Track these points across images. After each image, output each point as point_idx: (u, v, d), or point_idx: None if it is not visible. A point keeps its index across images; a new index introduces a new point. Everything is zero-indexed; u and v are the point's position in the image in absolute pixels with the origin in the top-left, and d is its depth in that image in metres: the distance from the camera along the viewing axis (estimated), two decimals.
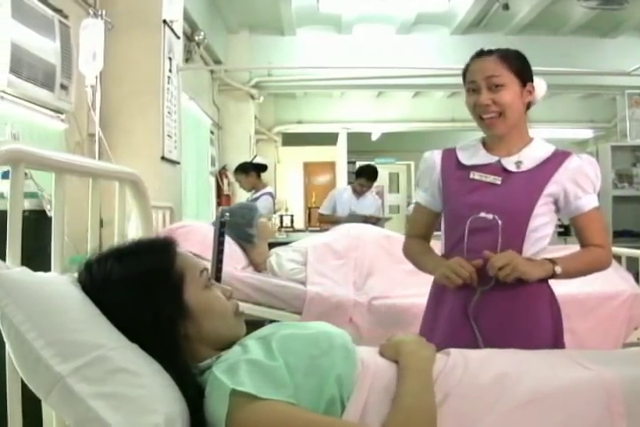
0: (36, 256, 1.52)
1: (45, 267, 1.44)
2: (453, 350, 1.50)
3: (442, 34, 7.97)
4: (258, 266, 3.71)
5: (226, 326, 1.36)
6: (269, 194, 5.14)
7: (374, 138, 11.58)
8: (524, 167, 1.88)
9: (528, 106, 1.95)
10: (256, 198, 5.14)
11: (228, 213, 1.97)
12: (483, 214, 1.83)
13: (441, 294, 1.95)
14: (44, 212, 2.49)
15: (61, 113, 3.37)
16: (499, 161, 1.91)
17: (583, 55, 7.64)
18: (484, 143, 1.98)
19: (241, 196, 6.92)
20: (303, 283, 3.35)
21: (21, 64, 2.86)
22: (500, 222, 1.80)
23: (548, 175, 1.87)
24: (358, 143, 10.66)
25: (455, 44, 7.72)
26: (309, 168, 11.20)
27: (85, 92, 3.51)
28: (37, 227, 2.63)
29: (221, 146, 7.90)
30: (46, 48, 3.08)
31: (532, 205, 1.85)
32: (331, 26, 8.01)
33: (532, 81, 1.93)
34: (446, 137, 9.70)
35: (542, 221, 1.88)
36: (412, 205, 2.68)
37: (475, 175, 1.90)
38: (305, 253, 3.55)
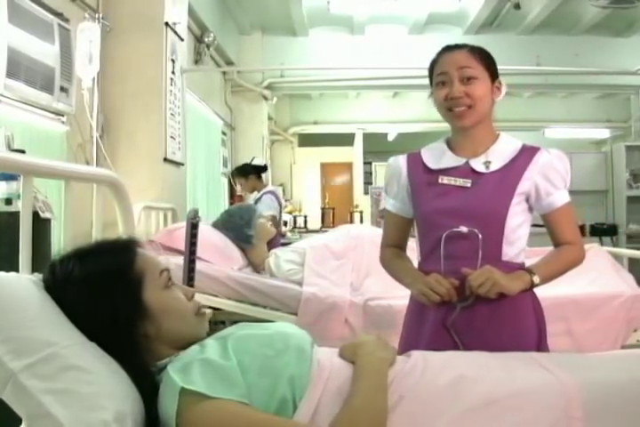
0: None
1: (38, 266, 1.47)
2: (415, 353, 1.50)
3: (455, 34, 7.94)
4: (257, 267, 3.72)
5: (185, 326, 1.38)
6: (271, 192, 5.13)
7: (390, 138, 11.57)
8: (494, 167, 1.83)
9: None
10: (259, 199, 5.15)
11: (199, 215, 1.98)
12: (461, 228, 1.78)
13: (421, 310, 1.89)
14: (37, 213, 2.54)
15: (62, 115, 3.42)
16: (467, 162, 1.86)
17: (596, 55, 7.58)
18: (449, 144, 1.92)
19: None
20: (300, 284, 3.34)
21: (19, 68, 2.90)
22: (480, 236, 1.76)
23: (519, 173, 1.82)
24: (375, 144, 10.66)
25: None
26: (326, 169, 11.21)
27: (94, 93, 3.57)
28: (32, 228, 2.67)
29: (234, 147, 7.94)
30: (45, 51, 3.13)
31: (506, 206, 1.80)
32: (343, 26, 8.03)
33: (498, 78, 1.89)
34: None
35: (518, 221, 1.83)
36: None
37: (443, 180, 1.85)
38: (303, 253, 3.55)
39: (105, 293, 1.30)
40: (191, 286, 1.68)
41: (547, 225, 1.90)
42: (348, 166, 10.96)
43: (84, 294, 1.30)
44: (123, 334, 1.29)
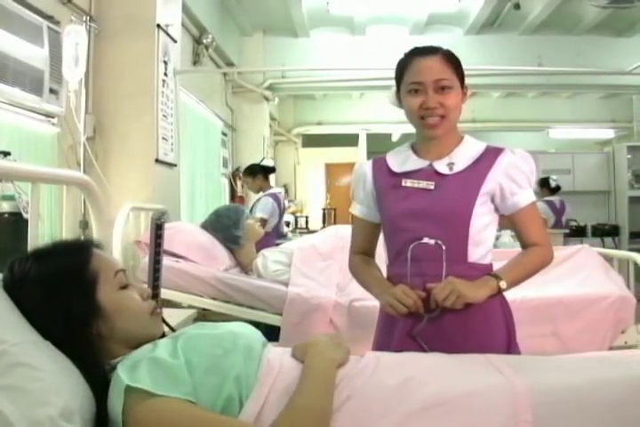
0: (13, 254, 1.58)
1: None
2: (369, 353, 1.51)
3: (456, 34, 7.95)
4: (245, 267, 3.74)
5: (139, 325, 1.41)
6: (270, 195, 5.14)
7: (395, 139, 11.56)
8: (457, 168, 1.83)
9: None
10: (258, 200, 5.17)
11: (165, 215, 1.98)
12: (425, 240, 1.78)
13: (390, 319, 1.89)
14: (20, 213, 2.58)
15: (52, 117, 3.45)
16: (430, 165, 1.86)
17: (598, 55, 7.56)
18: (414, 148, 1.93)
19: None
20: (286, 284, 3.35)
21: (6, 70, 2.94)
22: (444, 247, 1.76)
23: (482, 173, 1.82)
24: (379, 144, 10.63)
25: (470, 45, 7.69)
26: (331, 169, 11.21)
27: (82, 95, 3.60)
28: (15, 227, 2.71)
29: (235, 148, 7.97)
30: (34, 54, 3.15)
31: (470, 207, 1.79)
32: (344, 27, 8.05)
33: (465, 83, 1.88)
34: None
35: (484, 222, 1.82)
36: None
37: (407, 182, 1.85)
38: (291, 254, 3.55)
39: (59, 292, 1.33)
40: (156, 286, 1.70)
41: (513, 227, 1.90)
42: (353, 167, 10.94)
43: (39, 294, 1.33)
44: (76, 333, 1.32)
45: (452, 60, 1.84)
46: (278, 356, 1.41)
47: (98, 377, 1.29)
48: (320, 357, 1.38)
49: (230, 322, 1.51)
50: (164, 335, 1.51)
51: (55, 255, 1.40)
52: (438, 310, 1.75)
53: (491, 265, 1.87)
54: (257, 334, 1.46)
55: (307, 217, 8.77)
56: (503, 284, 1.76)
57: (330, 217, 8.98)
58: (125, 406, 1.20)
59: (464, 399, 1.30)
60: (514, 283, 1.80)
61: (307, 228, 8.48)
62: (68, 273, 1.36)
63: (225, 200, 7.35)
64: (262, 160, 5.62)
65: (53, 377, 1.22)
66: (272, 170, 5.52)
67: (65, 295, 1.33)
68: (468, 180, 1.82)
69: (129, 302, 1.41)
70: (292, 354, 1.44)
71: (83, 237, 3.26)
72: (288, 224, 7.90)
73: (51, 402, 1.17)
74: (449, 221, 1.79)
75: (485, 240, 1.84)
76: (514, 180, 1.82)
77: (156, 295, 1.71)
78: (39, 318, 1.31)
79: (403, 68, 1.87)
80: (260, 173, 5.32)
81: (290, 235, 7.52)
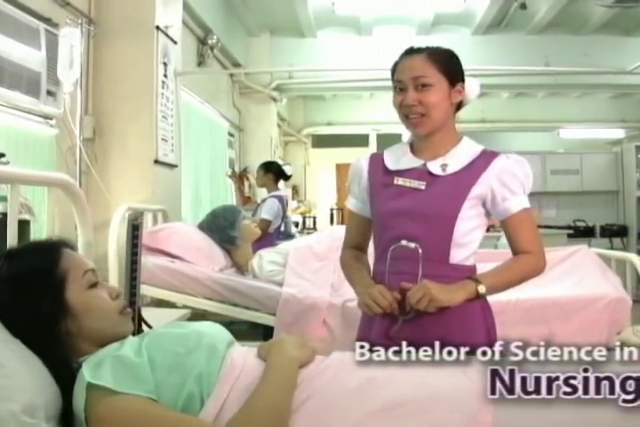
0: None
1: None
2: (336, 354, 1.51)
3: (463, 34, 7.92)
4: (241, 267, 3.76)
5: (108, 324, 1.43)
6: (277, 197, 5.14)
7: (405, 139, 11.52)
8: (451, 170, 1.82)
9: (459, 106, 1.90)
10: (264, 200, 5.19)
11: (140, 217, 1.98)
12: (404, 243, 1.78)
13: (369, 319, 1.89)
14: None
15: (50, 119, 3.48)
16: (424, 164, 1.85)
17: (606, 54, 7.49)
18: (412, 146, 1.93)
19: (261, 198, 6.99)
20: (281, 285, 3.37)
21: (3, 73, 2.97)
22: (420, 251, 1.76)
23: (474, 177, 1.81)
24: (389, 144, 10.51)
25: (477, 45, 7.67)
26: (341, 170, 11.20)
27: (77, 97, 3.64)
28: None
29: (243, 148, 7.98)
30: (31, 56, 3.19)
31: (456, 209, 1.79)
32: (350, 27, 8.05)
33: (463, 81, 1.87)
34: (476, 138, 9.46)
35: (470, 226, 1.82)
36: None
37: (398, 181, 1.84)
38: (286, 254, 3.57)
39: (28, 291, 1.36)
40: (134, 286, 1.72)
41: (504, 232, 1.88)
42: None
43: (8, 293, 1.36)
44: (44, 332, 1.34)
45: (437, 59, 1.83)
46: (242, 355, 1.42)
47: (65, 375, 1.32)
48: (282, 356, 1.39)
49: (199, 322, 1.53)
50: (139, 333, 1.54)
51: (26, 255, 1.43)
52: (413, 313, 1.75)
53: (474, 266, 1.86)
54: (223, 334, 1.47)
55: (314, 217, 8.77)
56: (482, 288, 1.74)
57: (338, 217, 8.99)
58: (87, 403, 1.23)
59: (424, 400, 1.30)
60: (494, 288, 1.79)
61: (314, 228, 8.49)
62: (37, 272, 1.39)
63: (232, 200, 7.37)
64: (285, 165, 5.63)
65: (19, 374, 1.24)
66: (285, 177, 5.52)
67: (34, 294, 1.36)
68: (459, 182, 1.82)
69: (97, 301, 1.43)
70: (257, 353, 1.46)
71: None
72: (297, 225, 7.90)
73: (13, 398, 1.19)
74: (434, 222, 1.80)
75: (469, 243, 1.84)
76: (506, 185, 1.81)
77: (133, 295, 1.73)
78: (9, 317, 1.34)
79: (394, 68, 1.90)
80: (273, 173, 5.32)
81: (297, 235, 7.53)
